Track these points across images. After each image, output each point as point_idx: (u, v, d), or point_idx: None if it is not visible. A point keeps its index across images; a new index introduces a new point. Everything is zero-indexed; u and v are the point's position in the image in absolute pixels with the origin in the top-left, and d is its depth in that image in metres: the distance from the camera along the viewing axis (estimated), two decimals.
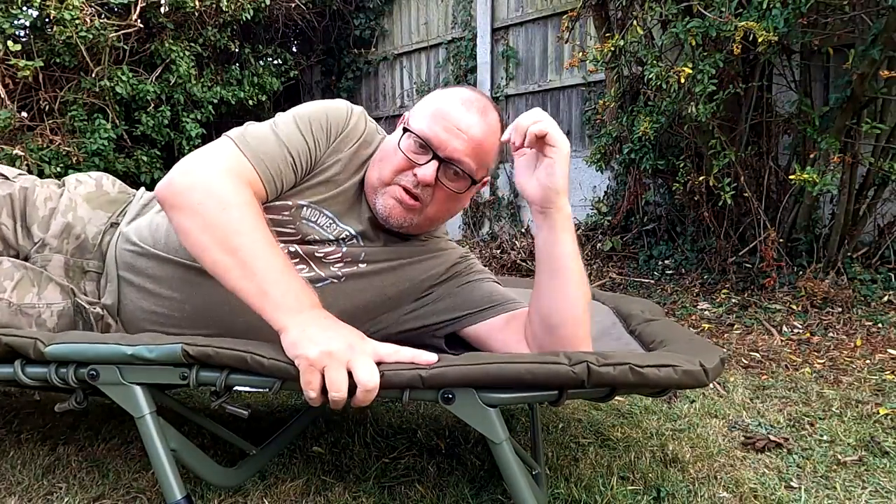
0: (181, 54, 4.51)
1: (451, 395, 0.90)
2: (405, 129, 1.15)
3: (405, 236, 1.24)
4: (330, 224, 1.18)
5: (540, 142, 1.01)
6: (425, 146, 1.12)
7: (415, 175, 1.12)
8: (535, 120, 1.01)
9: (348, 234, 1.19)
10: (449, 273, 1.25)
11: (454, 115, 1.12)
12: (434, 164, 1.11)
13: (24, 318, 1.15)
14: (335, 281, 1.17)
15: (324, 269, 1.17)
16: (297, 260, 1.16)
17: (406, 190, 1.13)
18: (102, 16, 4.00)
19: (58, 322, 1.18)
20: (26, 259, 1.25)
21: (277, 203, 1.15)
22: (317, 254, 1.17)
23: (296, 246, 1.16)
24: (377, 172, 1.17)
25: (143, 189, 1.41)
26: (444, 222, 1.28)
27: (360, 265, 1.19)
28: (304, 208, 1.16)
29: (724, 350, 1.52)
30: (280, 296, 0.93)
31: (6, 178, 1.30)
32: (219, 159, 1.06)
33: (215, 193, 1.00)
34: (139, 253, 1.21)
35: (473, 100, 1.15)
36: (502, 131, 1.15)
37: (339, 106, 1.21)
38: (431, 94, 1.20)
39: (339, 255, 1.18)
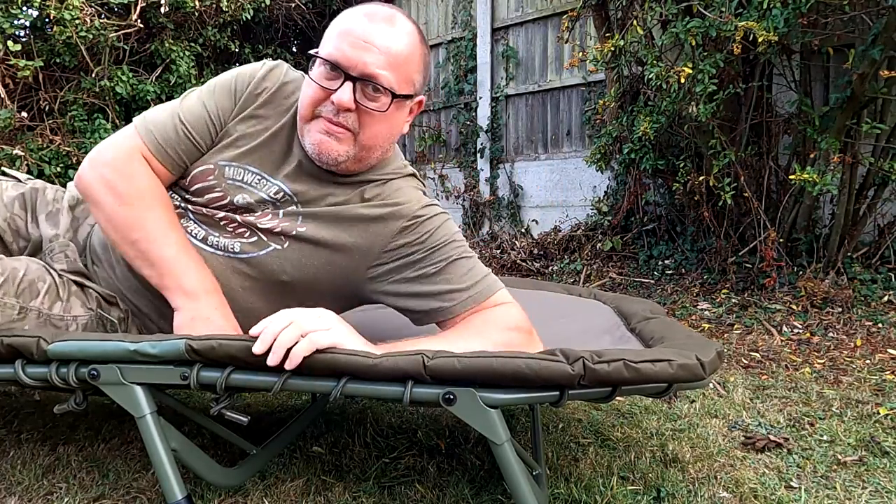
0: (181, 54, 4.51)
1: (452, 396, 0.90)
2: (313, 57, 1.08)
3: (351, 179, 1.16)
4: (259, 181, 1.15)
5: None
6: (336, 69, 1.05)
7: (332, 102, 1.06)
8: (284, 326, 0.92)
9: (283, 193, 1.15)
10: (397, 239, 1.14)
11: (359, 30, 1.05)
12: (348, 85, 1.04)
13: (53, 329, 1.14)
14: (278, 248, 1.14)
15: (266, 234, 1.15)
16: (236, 225, 1.15)
17: (329, 121, 1.07)
18: (102, 16, 3.99)
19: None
20: (39, 249, 1.30)
21: (201, 168, 1.17)
22: (252, 217, 1.15)
23: (228, 212, 1.15)
24: (299, 112, 1.12)
25: None
26: (386, 149, 1.17)
27: (300, 228, 1.14)
28: (227, 167, 1.16)
29: (721, 344, 1.52)
30: (175, 281, 1.10)
31: (19, 180, 1.40)
32: (117, 148, 1.15)
33: (113, 188, 1.12)
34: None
35: (378, 11, 1.08)
36: (421, 38, 1.11)
37: (254, 65, 1.21)
38: (337, 17, 1.12)
39: (278, 218, 1.15)
